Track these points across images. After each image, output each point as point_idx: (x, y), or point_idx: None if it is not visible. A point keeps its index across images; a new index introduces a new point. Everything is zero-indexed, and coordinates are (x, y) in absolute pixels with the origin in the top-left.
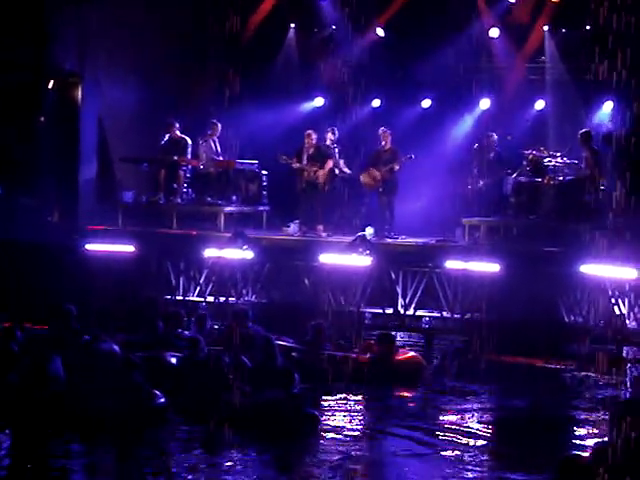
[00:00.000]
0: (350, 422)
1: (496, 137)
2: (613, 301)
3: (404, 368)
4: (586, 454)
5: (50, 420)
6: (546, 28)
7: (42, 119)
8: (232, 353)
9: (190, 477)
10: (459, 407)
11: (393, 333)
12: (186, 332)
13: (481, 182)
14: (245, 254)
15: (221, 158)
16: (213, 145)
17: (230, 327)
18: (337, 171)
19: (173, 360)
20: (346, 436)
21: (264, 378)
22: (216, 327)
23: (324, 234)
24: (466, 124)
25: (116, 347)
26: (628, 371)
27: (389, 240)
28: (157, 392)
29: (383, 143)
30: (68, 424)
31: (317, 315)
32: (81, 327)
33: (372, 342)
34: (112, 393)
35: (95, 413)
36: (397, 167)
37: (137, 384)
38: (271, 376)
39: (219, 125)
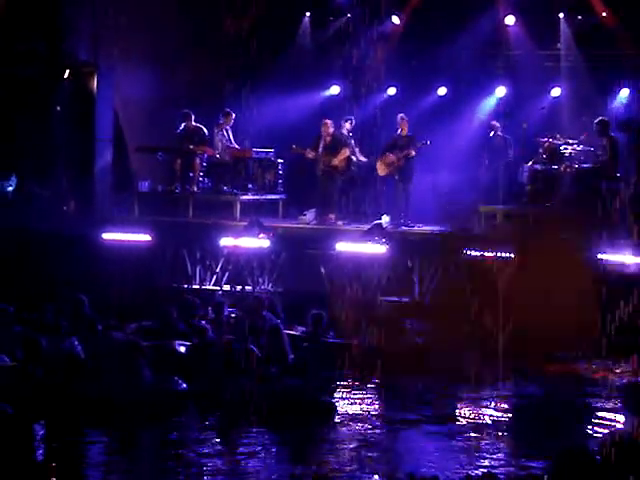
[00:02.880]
0: (366, 410)
1: (497, 124)
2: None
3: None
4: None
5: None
6: (562, 15)
7: (57, 109)
8: (242, 341)
9: (207, 464)
10: (475, 395)
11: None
12: (202, 321)
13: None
14: (261, 243)
15: (236, 146)
16: (226, 134)
17: (241, 315)
18: (354, 159)
19: (182, 349)
20: (362, 424)
21: (277, 366)
22: (233, 315)
23: (340, 222)
24: (482, 112)
25: (128, 335)
26: None
27: (405, 228)
28: (177, 379)
29: (399, 130)
30: (86, 409)
31: (333, 303)
32: (97, 316)
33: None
34: (126, 380)
35: (112, 399)
36: (413, 153)
37: (148, 370)
38: (284, 365)
39: (233, 114)
